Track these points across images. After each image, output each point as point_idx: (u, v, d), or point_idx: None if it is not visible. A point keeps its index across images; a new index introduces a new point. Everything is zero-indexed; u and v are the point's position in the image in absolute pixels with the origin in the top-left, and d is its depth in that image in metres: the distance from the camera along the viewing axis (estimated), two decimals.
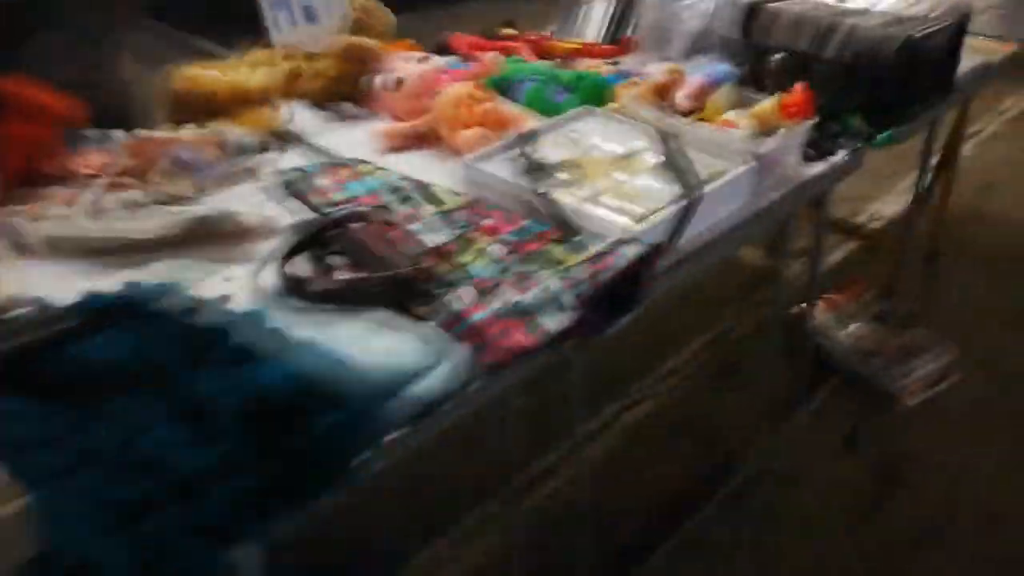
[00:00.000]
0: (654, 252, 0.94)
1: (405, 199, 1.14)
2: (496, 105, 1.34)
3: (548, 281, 0.89)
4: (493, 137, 1.28)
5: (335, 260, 1.01)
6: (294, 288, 0.90)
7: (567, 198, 1.09)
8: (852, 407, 2.04)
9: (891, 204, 2.82)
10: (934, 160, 2.30)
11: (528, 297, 0.87)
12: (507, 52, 1.77)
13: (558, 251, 0.96)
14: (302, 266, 0.98)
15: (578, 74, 1.52)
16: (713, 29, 1.54)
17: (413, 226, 1.08)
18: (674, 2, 1.43)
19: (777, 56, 1.46)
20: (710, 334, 2.22)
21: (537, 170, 1.16)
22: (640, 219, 1.04)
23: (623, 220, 1.03)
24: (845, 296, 2.36)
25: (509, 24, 2.37)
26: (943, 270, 2.60)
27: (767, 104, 1.18)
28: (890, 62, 1.36)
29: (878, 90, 1.39)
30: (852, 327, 2.23)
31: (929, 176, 2.32)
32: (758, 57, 1.50)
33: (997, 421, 2.02)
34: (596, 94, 1.41)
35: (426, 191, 1.16)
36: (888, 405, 2.04)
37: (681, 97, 1.31)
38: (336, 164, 1.21)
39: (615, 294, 0.90)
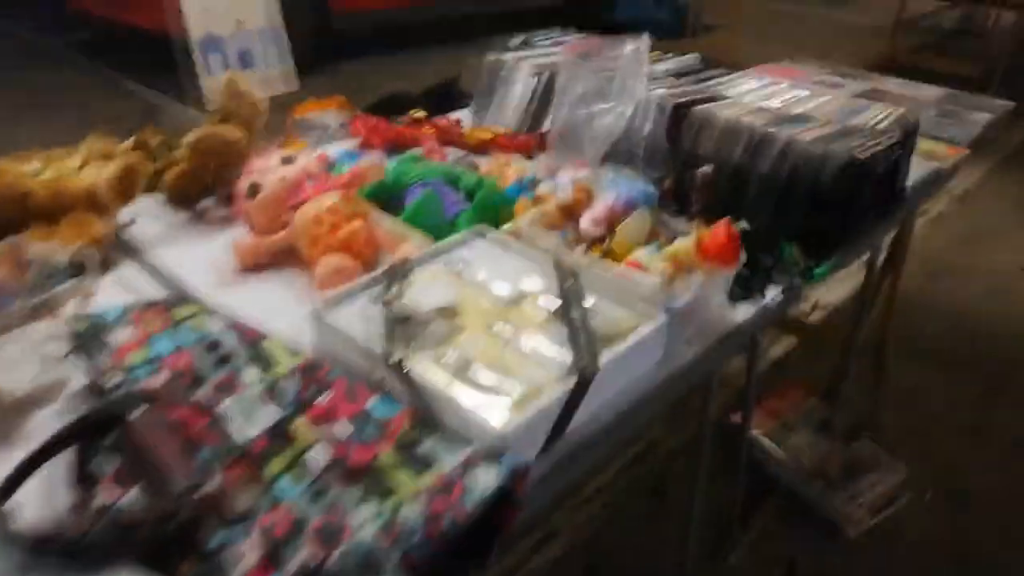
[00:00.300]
0: (521, 476, 0.71)
1: (223, 360, 0.89)
2: (367, 224, 1.11)
3: (366, 529, 0.65)
4: (353, 270, 1.05)
5: (105, 465, 0.76)
6: (8, 537, 0.64)
7: (429, 369, 0.86)
8: (792, 537, 1.83)
9: (835, 291, 2.66)
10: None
11: (334, 559, 0.63)
12: (408, 142, 1.56)
13: (394, 470, 0.73)
14: (55, 479, 0.72)
15: (479, 180, 1.31)
16: (635, 130, 1.34)
17: (225, 403, 0.83)
18: (586, 105, 1.23)
19: (705, 168, 1.27)
20: (634, 449, 2.00)
21: (401, 323, 0.92)
22: (516, 405, 0.81)
23: (493, 412, 0.80)
24: (785, 401, 2.17)
25: (448, 84, 2.16)
26: (890, 366, 2.44)
27: (682, 245, 0.98)
28: (831, 183, 1.17)
29: (817, 212, 1.20)
30: (793, 439, 2.03)
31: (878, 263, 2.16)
32: (685, 167, 1.31)
33: (952, 550, 1.83)
34: (493, 208, 1.20)
35: (255, 347, 0.92)
36: (832, 533, 1.84)
37: (588, 222, 1.10)
38: (146, 307, 0.96)
39: (463, 543, 0.67)
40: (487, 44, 1.79)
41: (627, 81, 1.24)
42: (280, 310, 1.04)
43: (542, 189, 1.35)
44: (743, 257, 1.02)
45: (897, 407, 2.28)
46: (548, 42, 1.79)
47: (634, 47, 1.27)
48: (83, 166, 1.24)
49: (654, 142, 1.33)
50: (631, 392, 0.94)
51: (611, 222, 1.11)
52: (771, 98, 1.47)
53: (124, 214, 1.28)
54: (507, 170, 1.46)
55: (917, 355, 2.50)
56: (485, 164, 1.49)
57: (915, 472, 1.95)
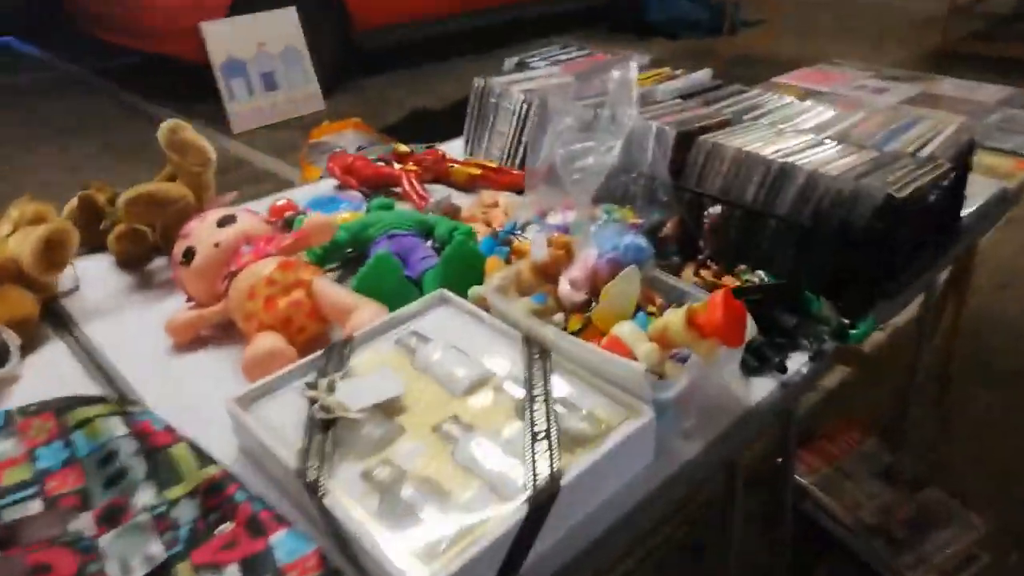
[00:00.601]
0: None
1: (117, 476, 0.75)
2: (311, 295, 0.96)
3: None
4: (287, 353, 0.89)
5: None
6: None
7: (349, 494, 0.70)
8: None
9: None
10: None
11: None
12: (386, 182, 1.41)
13: None
14: None
15: (451, 229, 1.15)
16: (632, 164, 1.16)
17: (106, 539, 0.69)
18: (568, 142, 1.06)
19: (713, 209, 1.08)
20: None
21: (325, 427, 0.76)
22: (451, 545, 0.64)
23: (418, 560, 0.63)
24: (839, 442, 1.94)
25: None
26: (957, 397, 2.18)
27: (673, 318, 0.79)
28: (863, 226, 0.97)
29: (848, 260, 1.00)
30: (849, 488, 1.80)
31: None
32: (690, 207, 1.12)
33: None
34: (464, 265, 1.03)
35: (158, 457, 0.77)
36: None
37: (566, 285, 0.93)
38: (36, 411, 0.82)
39: None
40: (513, 52, 1.63)
41: (616, 112, 1.06)
42: (219, 392, 0.89)
43: (529, 235, 1.19)
44: (751, 328, 0.83)
45: (962, 435, 2.03)
46: (545, 62, 1.61)
47: (620, 73, 1.09)
48: (14, 232, 1.12)
49: (654, 177, 1.14)
50: (613, 506, 0.76)
51: (595, 284, 0.93)
52: (796, 117, 1.27)
53: (66, 279, 1.17)
54: (493, 212, 1.30)
55: (983, 373, 2.24)
56: (469, 203, 1.33)
57: (988, 523, 1.70)
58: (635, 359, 0.80)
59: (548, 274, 0.97)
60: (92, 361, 1.00)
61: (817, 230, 1.00)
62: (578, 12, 6.19)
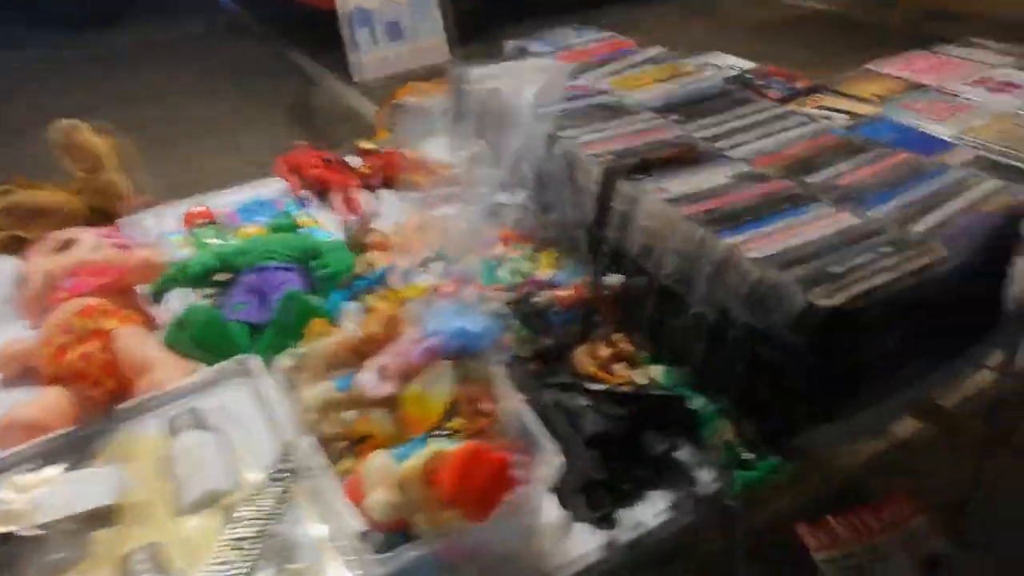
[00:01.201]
0: None
1: None
2: (109, 346, 0.84)
3: None
4: (40, 423, 0.78)
5: None
6: None
7: None
8: None
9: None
10: None
11: None
12: (325, 185, 1.26)
13: None
14: None
15: (324, 264, 0.98)
16: (553, 200, 0.92)
17: None
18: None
19: (612, 278, 0.83)
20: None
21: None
22: None
23: None
24: (880, 516, 1.57)
25: None
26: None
27: (413, 467, 0.59)
28: (780, 338, 0.69)
29: (767, 376, 0.72)
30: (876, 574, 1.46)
31: None
32: (611, 264, 0.87)
33: None
34: (299, 326, 0.86)
35: None
36: None
37: (371, 376, 0.73)
38: None
39: None
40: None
41: (499, 138, 0.83)
42: None
43: (432, 275, 0.99)
44: (538, 490, 0.60)
45: None
46: (549, 48, 1.36)
47: (516, 85, 0.85)
48: None
49: (573, 220, 0.90)
50: None
51: (408, 377, 0.73)
52: (821, 136, 0.95)
53: None
54: (415, 237, 1.10)
55: None
56: (397, 221, 1.15)
57: None
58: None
59: (366, 354, 0.78)
60: None
61: (726, 331, 0.73)
62: None
